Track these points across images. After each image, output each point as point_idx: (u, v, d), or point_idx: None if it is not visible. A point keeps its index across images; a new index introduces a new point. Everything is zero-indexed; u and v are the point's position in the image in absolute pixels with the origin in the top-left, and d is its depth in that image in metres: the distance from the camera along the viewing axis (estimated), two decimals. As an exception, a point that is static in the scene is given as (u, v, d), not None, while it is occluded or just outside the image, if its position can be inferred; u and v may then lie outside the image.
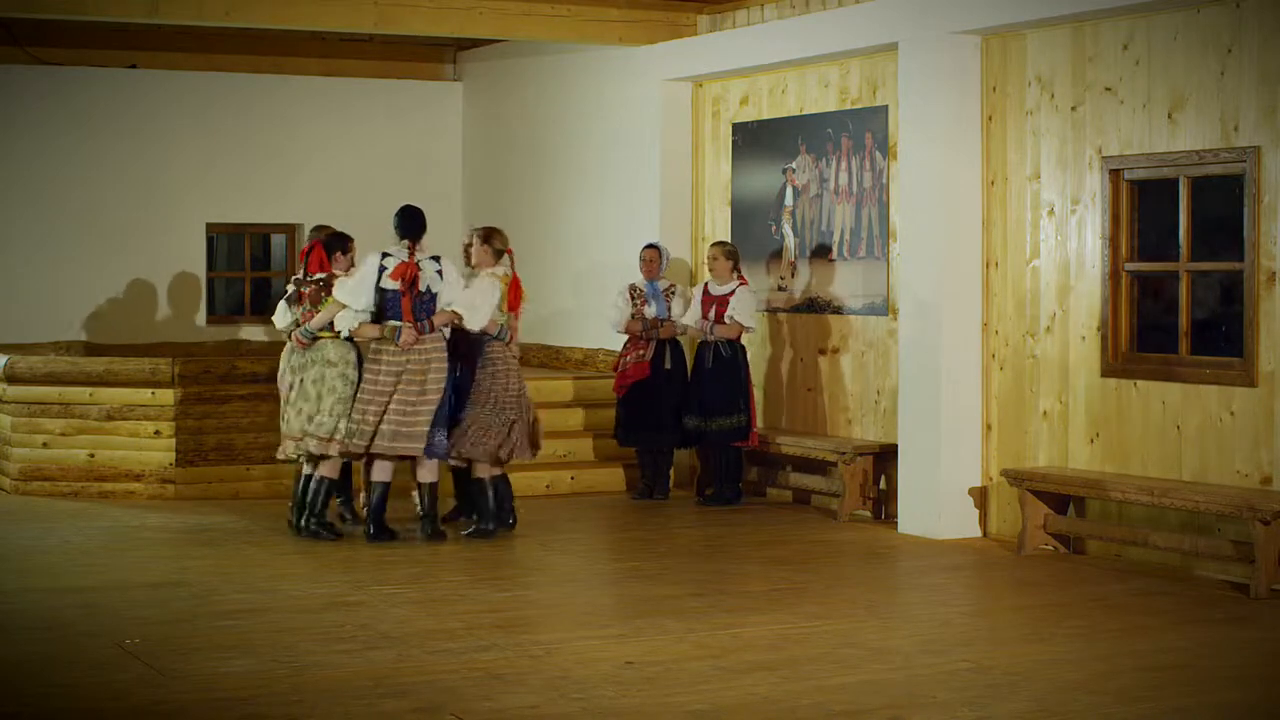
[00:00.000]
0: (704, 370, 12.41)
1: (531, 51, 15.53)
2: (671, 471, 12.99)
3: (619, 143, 14.35)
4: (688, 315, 12.56)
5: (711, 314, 12.33)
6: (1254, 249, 9.51)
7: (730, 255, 12.41)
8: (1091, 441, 10.45)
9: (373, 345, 10.72)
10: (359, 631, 8.12)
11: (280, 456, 10.99)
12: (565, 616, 8.66)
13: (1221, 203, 9.85)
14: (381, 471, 10.79)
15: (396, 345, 10.58)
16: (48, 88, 15.39)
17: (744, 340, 12.49)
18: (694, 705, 6.81)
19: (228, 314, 16.32)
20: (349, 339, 10.78)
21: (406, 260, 10.65)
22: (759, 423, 12.89)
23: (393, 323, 10.61)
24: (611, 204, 14.46)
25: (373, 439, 10.60)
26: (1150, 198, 10.31)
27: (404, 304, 10.63)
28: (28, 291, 15.31)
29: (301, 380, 10.80)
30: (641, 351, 12.67)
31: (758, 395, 12.97)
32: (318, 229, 11.24)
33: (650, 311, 12.68)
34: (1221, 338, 9.89)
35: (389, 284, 10.63)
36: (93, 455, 12.72)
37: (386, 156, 16.55)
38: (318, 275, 10.87)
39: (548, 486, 13.04)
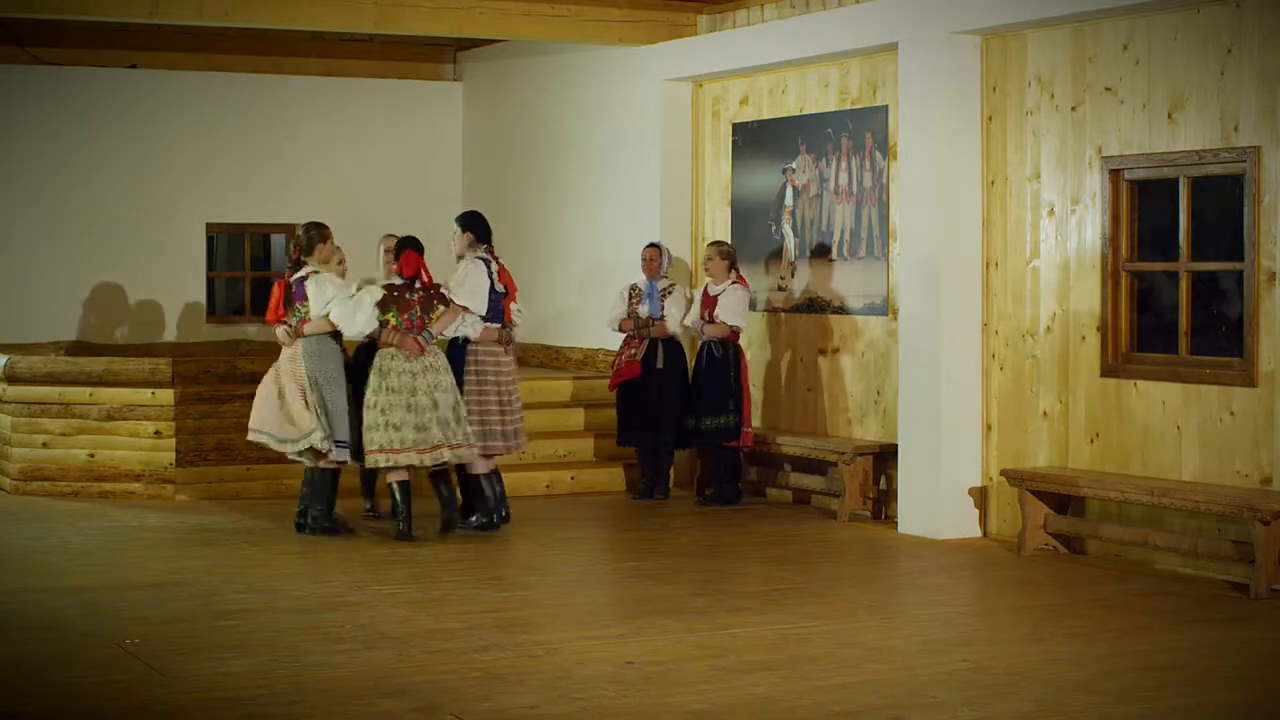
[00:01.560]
0: (700, 370, 12.44)
1: (531, 51, 15.53)
2: (671, 471, 12.99)
3: (619, 143, 14.35)
4: (689, 316, 12.58)
5: (706, 314, 12.37)
6: (1254, 249, 9.51)
7: (726, 255, 12.41)
8: (1091, 441, 10.45)
9: (479, 349, 10.99)
10: (359, 631, 8.12)
11: (392, 471, 10.77)
12: (565, 616, 8.66)
13: (1221, 203, 9.85)
14: (486, 467, 11.15)
15: (505, 348, 11.08)
16: (48, 88, 15.39)
17: (743, 340, 12.49)
18: (694, 705, 6.81)
19: (228, 314, 16.31)
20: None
21: (499, 266, 11.08)
22: (757, 422, 12.91)
23: (498, 326, 11.06)
24: (611, 204, 14.46)
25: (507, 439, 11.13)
26: (1150, 198, 10.31)
27: (506, 306, 11.08)
28: (28, 291, 15.31)
29: (395, 389, 10.68)
30: (633, 350, 12.68)
31: (757, 395, 12.98)
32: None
33: (644, 310, 12.69)
34: (1221, 338, 9.89)
35: (500, 288, 11.06)
36: (93, 455, 12.72)
37: (386, 156, 16.55)
38: (433, 283, 10.88)
39: (548, 486, 13.04)
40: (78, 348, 15.08)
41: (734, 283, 12.36)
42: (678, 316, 12.60)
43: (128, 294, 15.68)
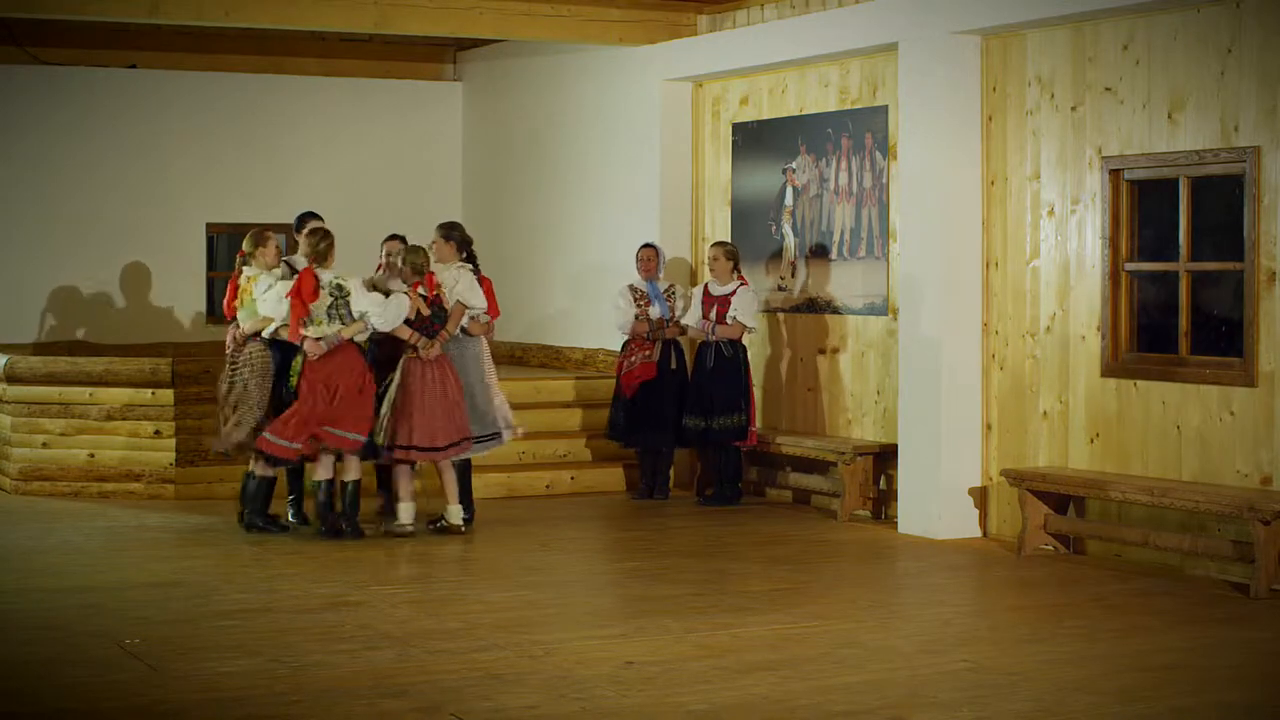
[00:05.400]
0: (705, 370, 12.42)
1: (531, 51, 15.53)
2: (671, 471, 12.98)
3: (619, 143, 14.35)
4: (688, 316, 12.57)
5: (713, 314, 12.35)
6: (1254, 249, 9.51)
7: (731, 255, 12.42)
8: (1091, 441, 10.45)
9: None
10: (359, 631, 8.12)
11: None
12: (565, 616, 8.65)
13: (1221, 203, 9.85)
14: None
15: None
16: (48, 88, 15.39)
17: (745, 340, 12.49)
18: (694, 705, 6.81)
19: (228, 314, 16.30)
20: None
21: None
22: (759, 423, 12.90)
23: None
24: (611, 204, 14.46)
25: None
26: (1150, 198, 10.31)
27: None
28: (28, 291, 15.31)
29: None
30: (647, 352, 12.67)
31: (757, 395, 12.98)
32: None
33: (655, 312, 12.69)
34: (1221, 338, 9.89)
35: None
36: (93, 455, 12.72)
37: (386, 156, 16.55)
38: None
39: (548, 486, 13.04)
40: (78, 348, 15.07)
41: (742, 283, 12.36)
42: (687, 317, 12.64)
43: (128, 294, 15.67)
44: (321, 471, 10.82)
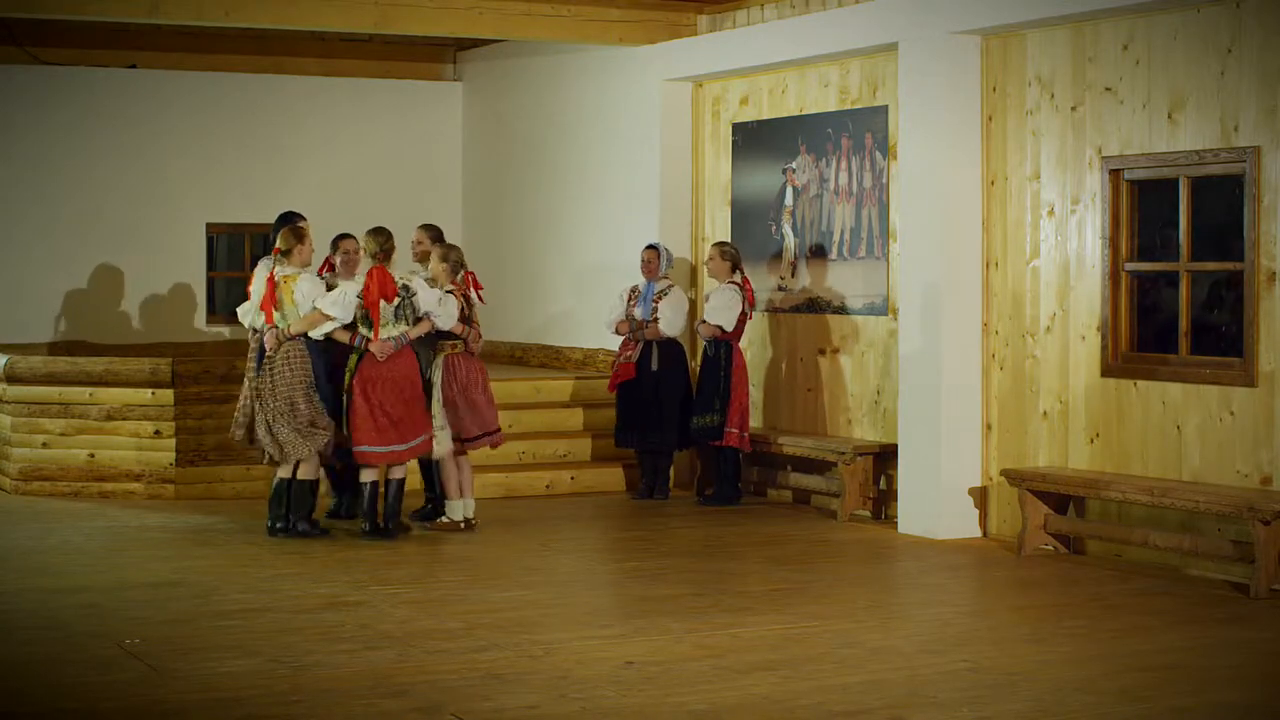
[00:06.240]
0: (698, 370, 12.50)
1: (531, 51, 15.53)
2: (671, 471, 12.98)
3: (619, 143, 14.35)
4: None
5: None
6: (1254, 249, 9.51)
7: (727, 256, 12.41)
8: (1091, 441, 10.45)
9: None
10: (359, 631, 8.12)
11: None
12: (565, 616, 8.66)
13: (1221, 203, 9.85)
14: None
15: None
16: (48, 88, 15.39)
17: (743, 341, 12.50)
18: (694, 705, 6.81)
19: (228, 314, 16.29)
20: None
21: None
22: (758, 422, 12.90)
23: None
24: (611, 204, 14.46)
25: None
26: (1150, 198, 10.31)
27: None
28: (28, 291, 15.31)
29: None
30: (629, 353, 12.68)
31: (757, 395, 12.98)
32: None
33: (638, 313, 12.69)
34: (1222, 338, 9.89)
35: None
36: (93, 455, 12.72)
37: (386, 156, 16.55)
38: None
39: (548, 486, 13.04)
40: (77, 348, 15.07)
41: (729, 283, 12.36)
42: (670, 318, 12.58)
43: (128, 294, 15.68)
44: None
